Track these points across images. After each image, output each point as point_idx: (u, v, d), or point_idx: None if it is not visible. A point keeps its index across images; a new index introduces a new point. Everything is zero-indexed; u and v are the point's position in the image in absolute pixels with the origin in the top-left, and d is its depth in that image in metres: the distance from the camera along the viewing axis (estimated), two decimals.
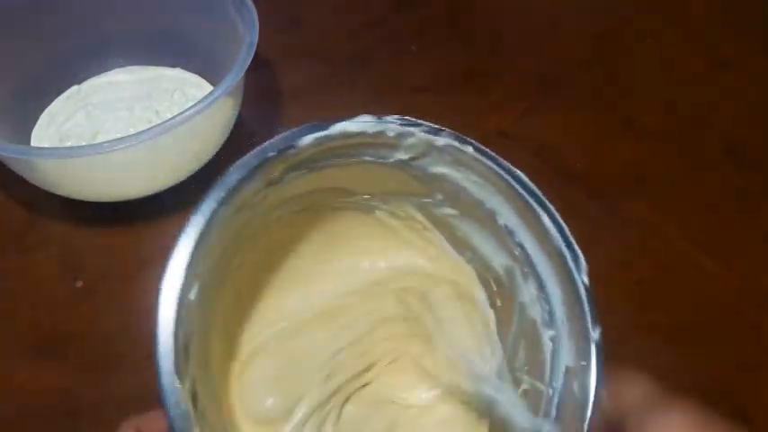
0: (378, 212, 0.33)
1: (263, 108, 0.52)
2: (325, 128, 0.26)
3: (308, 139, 0.26)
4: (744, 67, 0.57)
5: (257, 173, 0.26)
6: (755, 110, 0.54)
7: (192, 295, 0.24)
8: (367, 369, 0.32)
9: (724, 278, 0.44)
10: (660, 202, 0.48)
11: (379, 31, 0.59)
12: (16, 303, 0.42)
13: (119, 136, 0.39)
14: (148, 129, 0.38)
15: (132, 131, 0.39)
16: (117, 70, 0.52)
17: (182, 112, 0.39)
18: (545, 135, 0.51)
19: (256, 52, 0.42)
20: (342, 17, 0.60)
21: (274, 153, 0.26)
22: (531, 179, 0.28)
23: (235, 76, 0.40)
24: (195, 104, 0.39)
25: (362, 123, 0.27)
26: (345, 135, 0.27)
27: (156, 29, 0.51)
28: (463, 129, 0.29)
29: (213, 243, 0.25)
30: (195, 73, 0.52)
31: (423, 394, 0.33)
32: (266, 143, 0.26)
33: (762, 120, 0.53)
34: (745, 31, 0.60)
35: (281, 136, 0.26)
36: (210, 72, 0.50)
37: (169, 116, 0.41)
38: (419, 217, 0.32)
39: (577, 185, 0.48)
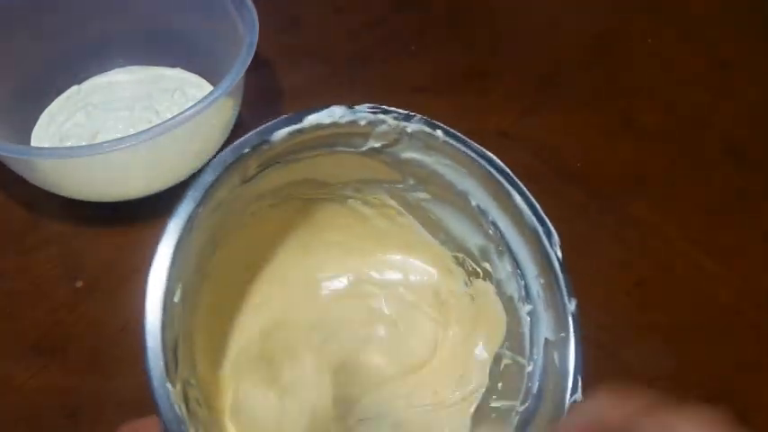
0: (351, 201, 0.33)
1: (263, 108, 0.52)
2: (298, 120, 0.26)
3: (282, 133, 0.26)
4: (744, 67, 0.57)
5: (232, 170, 0.25)
6: (755, 110, 0.54)
7: (176, 298, 0.24)
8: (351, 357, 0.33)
9: (724, 278, 0.44)
10: (660, 202, 0.48)
11: (379, 31, 0.59)
12: (16, 303, 0.42)
13: (119, 136, 0.39)
14: (148, 129, 0.38)
15: (132, 131, 0.39)
16: (117, 70, 0.52)
17: (182, 112, 0.39)
18: (545, 135, 0.51)
19: (256, 52, 0.42)
20: (342, 17, 0.60)
21: (249, 149, 0.26)
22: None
23: (235, 76, 0.40)
24: (195, 104, 0.39)
25: (334, 114, 0.27)
26: (318, 126, 0.27)
27: (156, 29, 0.51)
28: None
29: (192, 244, 0.25)
30: (195, 73, 0.52)
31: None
32: (240, 140, 0.26)
33: (762, 120, 0.53)
34: (745, 31, 0.60)
35: (254, 132, 0.26)
36: (210, 72, 0.50)
37: (169, 116, 0.41)
38: (392, 203, 0.32)
39: (577, 185, 0.48)
